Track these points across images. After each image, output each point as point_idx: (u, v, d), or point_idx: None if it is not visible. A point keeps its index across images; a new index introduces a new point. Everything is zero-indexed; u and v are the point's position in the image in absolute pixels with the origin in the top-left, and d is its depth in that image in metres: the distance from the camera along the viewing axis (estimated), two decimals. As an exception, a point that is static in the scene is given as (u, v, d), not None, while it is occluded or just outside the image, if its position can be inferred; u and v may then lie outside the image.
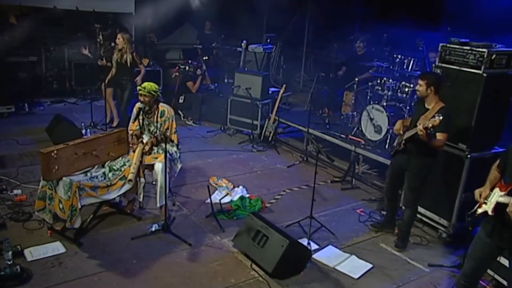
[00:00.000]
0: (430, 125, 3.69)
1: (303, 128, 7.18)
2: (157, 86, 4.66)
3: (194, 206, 5.17)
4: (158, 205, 4.67)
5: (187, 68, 8.58)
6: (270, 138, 7.29)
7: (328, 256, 4.26)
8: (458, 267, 4.12)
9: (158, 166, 4.53)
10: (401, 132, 4.43)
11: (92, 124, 7.73)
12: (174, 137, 4.79)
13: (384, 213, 5.23)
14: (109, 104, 7.83)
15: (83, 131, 7.05)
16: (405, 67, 6.68)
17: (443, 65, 4.57)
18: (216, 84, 9.15)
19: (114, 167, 4.51)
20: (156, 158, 4.62)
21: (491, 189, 3.04)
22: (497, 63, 4.22)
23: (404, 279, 4.03)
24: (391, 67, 6.60)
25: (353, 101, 7.19)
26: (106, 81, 7.33)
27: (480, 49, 4.21)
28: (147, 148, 4.69)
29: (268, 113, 7.88)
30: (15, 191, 5.11)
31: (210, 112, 8.59)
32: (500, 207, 2.87)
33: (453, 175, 4.48)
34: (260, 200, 5.17)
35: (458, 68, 4.41)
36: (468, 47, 4.32)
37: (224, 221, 4.82)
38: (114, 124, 7.86)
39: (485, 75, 4.18)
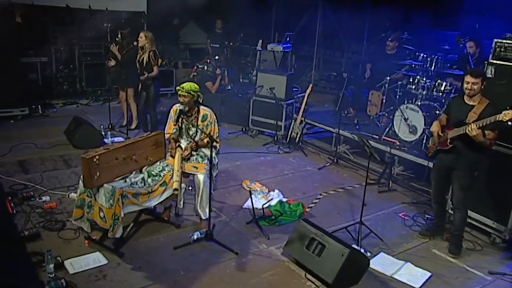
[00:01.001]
0: (507, 119, 3.49)
1: (331, 129, 6.97)
2: (197, 86, 4.43)
3: (232, 211, 4.94)
4: (202, 217, 4.44)
5: (206, 67, 8.34)
6: (297, 140, 7.07)
7: (382, 263, 4.05)
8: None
9: (200, 178, 4.30)
10: (441, 134, 4.24)
11: (110, 127, 7.47)
12: (216, 141, 4.56)
13: (428, 216, 5.06)
14: (129, 106, 7.57)
15: (104, 134, 6.81)
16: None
17: (497, 62, 4.36)
18: (232, 85, 8.93)
19: (152, 173, 4.27)
20: (197, 168, 4.37)
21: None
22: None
23: (471, 284, 3.82)
24: (425, 65, 6.38)
25: (383, 101, 6.97)
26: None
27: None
28: (186, 153, 4.45)
29: (292, 114, 7.67)
30: (43, 198, 4.86)
31: (229, 113, 8.35)
32: None
33: (508, 176, 4.28)
34: (301, 205, 4.95)
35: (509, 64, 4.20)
36: (527, 43, 4.13)
37: (266, 227, 4.59)
38: (133, 127, 7.62)
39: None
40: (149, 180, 4.20)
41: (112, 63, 7.59)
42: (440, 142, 4.23)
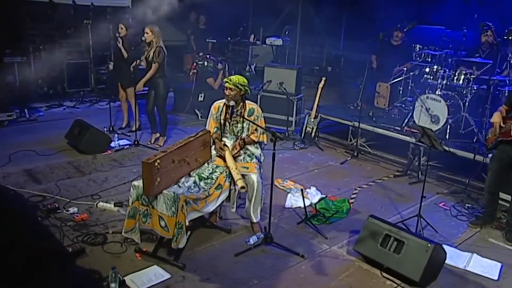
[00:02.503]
0: None
1: (348, 122, 6.86)
2: (245, 80, 4.15)
3: (276, 212, 4.68)
4: (254, 220, 4.18)
5: (206, 63, 7.99)
6: (312, 135, 6.90)
7: (449, 256, 3.94)
8: None
9: (254, 179, 4.03)
10: (502, 125, 4.22)
11: (112, 129, 6.99)
12: (264, 138, 4.29)
13: (468, 205, 5.06)
14: (132, 106, 7.10)
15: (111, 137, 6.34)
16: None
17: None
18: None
19: (203, 175, 3.95)
20: (247, 168, 4.09)
21: None
22: None
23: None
24: (443, 56, 6.40)
25: (400, 91, 6.93)
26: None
27: None
28: (235, 151, 4.16)
29: (301, 109, 7.50)
30: (71, 210, 4.40)
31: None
32: None
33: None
34: (347, 201, 4.78)
35: None
36: None
37: (318, 226, 4.39)
38: (133, 129, 7.15)
39: None
40: (202, 183, 3.87)
41: (111, 67, 7.13)
42: (502, 133, 4.20)
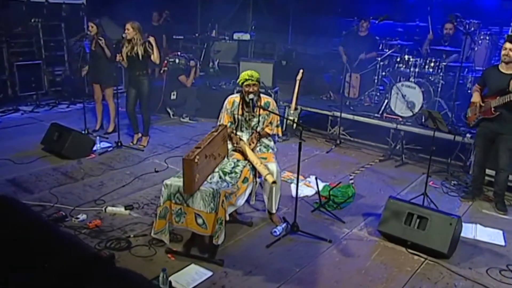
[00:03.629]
0: None
1: (328, 112, 7.09)
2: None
3: (287, 202, 4.76)
4: (274, 211, 4.24)
5: (177, 61, 7.83)
6: (294, 126, 7.03)
7: (457, 229, 4.28)
8: None
9: (274, 168, 4.08)
10: (482, 104, 4.63)
11: (87, 132, 6.65)
12: (278, 131, 4.35)
13: (454, 182, 5.48)
14: (110, 107, 6.81)
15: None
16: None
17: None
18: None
19: (225, 170, 3.93)
20: (265, 158, 4.14)
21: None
22: None
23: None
24: (414, 45, 6.84)
25: (375, 81, 7.29)
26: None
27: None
28: (252, 145, 4.18)
29: (278, 101, 7.61)
30: (80, 217, 4.17)
31: (205, 107, 7.98)
32: None
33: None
34: (351, 186, 4.98)
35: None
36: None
37: (329, 212, 4.55)
38: (110, 130, 6.89)
39: None
40: (227, 178, 3.85)
41: (85, 70, 6.78)
42: (483, 112, 4.59)
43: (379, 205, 4.82)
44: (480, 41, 7.40)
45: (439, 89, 6.49)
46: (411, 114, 6.47)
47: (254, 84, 4.05)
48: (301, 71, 7.09)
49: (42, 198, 4.58)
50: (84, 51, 8.78)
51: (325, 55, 10.34)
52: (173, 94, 7.78)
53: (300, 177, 5.22)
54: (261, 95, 4.27)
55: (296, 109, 7.02)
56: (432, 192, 5.20)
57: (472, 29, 7.47)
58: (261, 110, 4.22)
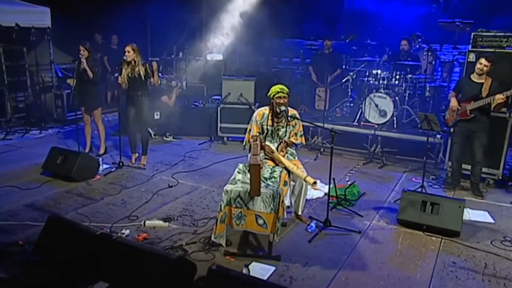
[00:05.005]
0: None
1: (309, 123, 7.68)
2: (288, 88, 4.66)
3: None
4: (300, 212, 4.71)
5: (159, 82, 8.02)
6: (280, 138, 7.55)
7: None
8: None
9: (304, 172, 4.56)
10: (459, 107, 5.53)
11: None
12: (302, 140, 4.84)
13: (433, 176, 6.32)
14: (100, 129, 6.85)
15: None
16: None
17: (477, 49, 5.86)
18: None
19: (265, 176, 4.35)
20: (294, 165, 4.60)
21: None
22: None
23: (511, 214, 5.15)
24: (379, 60, 7.74)
25: (348, 93, 8.06)
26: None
27: (513, 33, 5.66)
28: (282, 153, 4.63)
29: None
30: (125, 232, 4.33)
31: (187, 126, 8.25)
32: None
33: (499, 134, 5.78)
34: (357, 186, 5.59)
35: (493, 50, 5.73)
36: (501, 34, 5.71)
37: (345, 209, 5.11)
38: (101, 152, 6.92)
39: (520, 53, 5.64)
40: (269, 182, 4.26)
41: (71, 81, 6.79)
42: (460, 114, 5.47)
43: (382, 200, 5.51)
44: (424, 57, 8.56)
45: (406, 98, 7.41)
46: (384, 121, 7.30)
47: (284, 97, 4.51)
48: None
49: (73, 219, 4.59)
50: (57, 75, 8.72)
51: (279, 73, 11.14)
52: (157, 114, 7.94)
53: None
54: (289, 107, 4.73)
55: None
56: (412, 189, 5.98)
57: (417, 46, 8.62)
58: (286, 120, 4.68)
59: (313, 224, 4.57)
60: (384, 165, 6.89)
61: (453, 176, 5.90)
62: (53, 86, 9.18)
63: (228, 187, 3.90)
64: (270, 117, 4.68)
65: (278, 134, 4.73)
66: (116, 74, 6.36)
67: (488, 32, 5.85)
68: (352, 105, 8.13)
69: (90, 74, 6.35)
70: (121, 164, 6.30)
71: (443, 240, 4.39)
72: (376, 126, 7.28)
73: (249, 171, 4.28)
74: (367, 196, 5.59)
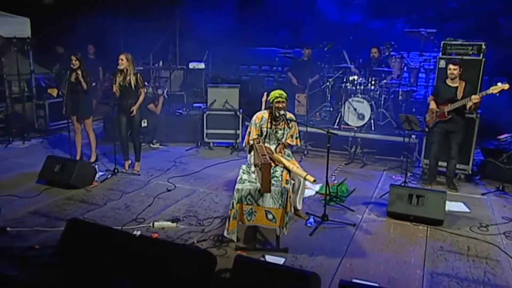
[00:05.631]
0: (497, 91, 5.45)
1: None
2: (286, 93, 5.02)
3: (299, 202, 5.60)
4: (299, 208, 5.06)
5: (146, 90, 8.20)
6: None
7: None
8: (500, 190, 6.07)
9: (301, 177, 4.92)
10: (437, 109, 6.07)
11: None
12: (298, 142, 5.21)
13: (410, 174, 6.83)
14: (91, 137, 6.96)
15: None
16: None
17: (447, 56, 6.46)
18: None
19: (267, 176, 4.67)
20: (294, 165, 4.96)
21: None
22: (483, 52, 6.36)
23: (483, 203, 5.73)
24: (357, 67, 8.26)
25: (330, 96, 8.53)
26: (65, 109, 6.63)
27: (477, 43, 6.28)
28: (281, 154, 4.98)
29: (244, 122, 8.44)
30: (137, 233, 4.52)
31: (170, 133, 8.47)
32: None
33: (468, 133, 6.36)
34: (345, 184, 6.02)
35: (460, 57, 6.34)
36: (467, 42, 6.33)
37: (337, 205, 5.51)
38: (92, 160, 7.03)
39: (484, 59, 6.26)
40: (273, 181, 4.58)
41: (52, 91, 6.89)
42: (439, 115, 6.02)
43: (369, 196, 5.96)
44: (393, 63, 9.20)
45: (382, 102, 7.96)
46: (362, 123, 7.80)
47: (283, 101, 4.87)
48: (265, 93, 8.06)
49: (82, 223, 4.75)
50: (39, 85, 8.72)
51: (252, 79, 11.59)
52: (144, 122, 8.10)
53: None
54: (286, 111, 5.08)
55: (265, 127, 7.92)
56: (397, 183, 6.48)
57: (387, 53, 9.24)
58: (284, 123, 5.04)
59: (311, 219, 4.94)
60: (364, 164, 7.38)
61: (430, 172, 6.44)
62: (33, 96, 9.14)
63: (239, 186, 4.20)
64: (269, 120, 5.01)
65: (276, 136, 5.07)
66: (105, 84, 6.50)
67: (456, 41, 6.46)
68: (331, 109, 8.58)
69: (85, 85, 6.50)
70: (116, 170, 6.45)
71: (429, 229, 4.87)
72: (355, 128, 7.76)
73: (253, 172, 4.63)
74: (355, 193, 6.02)
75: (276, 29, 13.70)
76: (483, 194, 6.07)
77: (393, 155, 7.48)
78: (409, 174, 6.79)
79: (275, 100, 4.88)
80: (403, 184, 5.80)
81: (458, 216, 5.27)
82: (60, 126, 9.12)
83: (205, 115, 8.17)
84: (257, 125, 5.05)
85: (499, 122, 7.39)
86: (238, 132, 8.16)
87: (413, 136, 7.18)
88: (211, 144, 8.25)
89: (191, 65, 9.31)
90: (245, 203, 4.17)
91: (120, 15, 11.13)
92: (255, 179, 4.46)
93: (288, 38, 13.14)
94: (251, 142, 5.01)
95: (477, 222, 5.12)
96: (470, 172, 6.60)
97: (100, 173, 6.41)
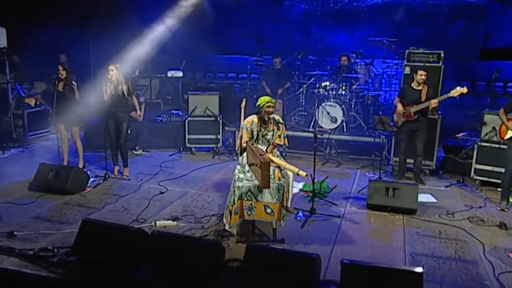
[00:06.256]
0: (456, 94, 6.17)
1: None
2: (273, 99, 5.48)
3: (286, 199, 6.07)
4: (289, 204, 5.51)
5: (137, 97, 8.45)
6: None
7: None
8: (461, 182, 6.81)
9: (290, 173, 5.39)
10: (404, 110, 6.74)
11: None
12: (285, 141, 5.67)
13: (382, 170, 7.47)
14: (78, 145, 7.13)
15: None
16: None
17: (411, 64, 7.18)
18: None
19: (261, 174, 5.11)
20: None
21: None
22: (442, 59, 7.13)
23: (447, 194, 6.42)
24: (330, 74, 8.89)
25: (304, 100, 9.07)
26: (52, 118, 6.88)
27: (437, 52, 7.03)
28: (272, 154, 5.43)
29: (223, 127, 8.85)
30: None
31: (152, 139, 8.75)
32: None
33: (431, 132, 7.09)
34: (326, 182, 6.54)
35: (423, 64, 7.06)
36: (428, 51, 7.07)
37: (321, 200, 6.03)
38: (80, 167, 7.19)
39: (443, 66, 7.02)
40: (268, 179, 5.03)
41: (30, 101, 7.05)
42: (406, 116, 6.68)
43: (348, 191, 6.52)
44: (359, 70, 9.91)
45: (352, 106, 8.61)
46: (335, 126, 8.40)
47: (272, 106, 5.33)
48: (244, 99, 8.50)
49: (86, 226, 5.00)
50: (19, 94, 8.78)
51: (222, 87, 12.03)
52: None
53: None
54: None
55: (244, 131, 8.36)
56: (373, 178, 7.09)
57: (353, 60, 9.94)
58: (273, 125, 5.50)
59: (300, 213, 5.42)
60: (339, 164, 7.96)
61: (400, 168, 7.09)
62: (10, 106, 9.12)
63: (239, 184, 4.63)
64: (259, 124, 5.45)
65: (266, 138, 5.52)
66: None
67: (418, 50, 7.19)
68: (305, 113, 9.14)
69: (77, 96, 6.70)
70: (107, 176, 6.67)
71: (404, 217, 5.47)
72: (329, 131, 8.35)
73: (248, 171, 5.06)
74: (335, 189, 6.56)
75: (241, 37, 14.31)
76: (446, 186, 6.77)
77: (364, 155, 8.10)
78: (381, 171, 7.44)
79: (266, 105, 5.32)
80: (378, 180, 6.40)
81: (428, 206, 5.91)
82: (38, 135, 9.17)
83: (186, 122, 8.51)
84: (248, 128, 5.47)
85: (457, 122, 8.21)
86: (218, 137, 8.55)
87: (383, 136, 7.86)
88: (193, 149, 8.59)
89: (170, 73, 9.61)
90: (245, 199, 4.58)
91: (89, 24, 11.29)
92: (251, 177, 4.89)
93: (253, 45, 13.83)
94: (244, 145, 5.42)
95: (444, 210, 5.77)
96: (434, 167, 7.33)
97: (92, 179, 6.61)
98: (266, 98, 5.35)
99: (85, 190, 6.19)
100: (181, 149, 8.63)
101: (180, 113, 9.21)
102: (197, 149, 8.62)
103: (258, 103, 5.43)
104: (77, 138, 7.13)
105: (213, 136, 8.54)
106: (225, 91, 11.69)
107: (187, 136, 8.54)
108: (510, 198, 5.88)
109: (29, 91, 9.62)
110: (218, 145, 8.58)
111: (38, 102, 9.35)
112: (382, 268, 3.55)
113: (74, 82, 6.68)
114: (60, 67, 6.76)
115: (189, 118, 8.52)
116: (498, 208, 5.83)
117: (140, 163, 7.81)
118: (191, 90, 9.28)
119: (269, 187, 4.50)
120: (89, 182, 6.41)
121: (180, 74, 9.61)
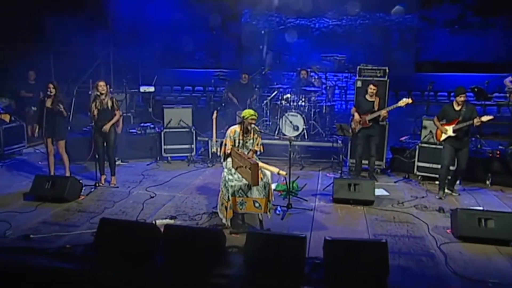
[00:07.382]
0: (403, 104, 7.39)
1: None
2: (255, 112, 6.38)
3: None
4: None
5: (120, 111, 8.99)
6: (218, 154, 9.15)
7: (363, 192, 7.30)
8: (406, 178, 8.07)
9: (267, 173, 6.29)
10: (360, 119, 7.89)
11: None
12: (261, 148, 6.54)
13: (340, 170, 8.59)
14: (64, 158, 7.62)
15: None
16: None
17: (362, 78, 8.39)
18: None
19: (246, 176, 5.99)
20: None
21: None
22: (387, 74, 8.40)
23: (396, 188, 7.61)
24: (289, 87, 9.93)
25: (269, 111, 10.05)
26: (38, 131, 7.36)
27: (383, 68, 8.28)
28: (253, 158, 6.32)
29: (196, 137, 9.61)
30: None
31: (129, 150, 9.34)
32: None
33: (381, 137, 8.30)
34: (296, 181, 7.51)
35: (371, 78, 8.29)
36: (376, 67, 8.31)
37: (293, 197, 6.99)
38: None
39: (388, 80, 8.28)
40: (251, 180, 5.91)
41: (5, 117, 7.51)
42: (362, 123, 7.83)
43: (314, 189, 7.53)
44: (315, 83, 11.06)
45: (312, 115, 9.71)
46: (297, 133, 9.44)
47: (255, 118, 6.21)
48: (215, 111, 9.35)
49: (91, 227, 5.60)
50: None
51: (185, 100, 12.83)
52: (107, 141, 8.87)
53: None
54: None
55: (216, 140, 9.19)
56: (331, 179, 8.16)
57: (311, 74, 11.08)
58: (252, 134, 6.38)
59: (279, 208, 6.34)
60: (303, 167, 9.00)
61: (356, 168, 8.22)
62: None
63: (231, 183, 5.49)
64: (241, 133, 6.31)
65: (246, 145, 6.39)
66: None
67: (367, 66, 8.41)
68: (270, 123, 10.11)
69: (65, 113, 7.24)
70: (97, 185, 7.24)
71: (365, 208, 6.55)
72: (292, 138, 9.35)
73: (234, 173, 5.90)
74: (304, 188, 7.55)
75: (194, 51, 15.21)
76: (395, 182, 8.00)
77: (324, 158, 9.20)
78: (339, 171, 8.56)
79: (250, 117, 6.17)
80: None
81: (382, 198, 7.04)
82: (13, 150, 9.44)
83: (163, 133, 9.20)
84: (231, 137, 6.30)
85: (401, 127, 9.55)
86: (192, 146, 9.31)
87: (340, 142, 9.00)
88: (169, 158, 9.28)
89: (142, 89, 10.24)
90: (237, 196, 5.44)
91: (50, 42, 11.65)
92: (238, 177, 5.74)
93: (206, 59, 14.82)
94: (228, 151, 6.25)
95: (395, 201, 6.92)
96: (384, 167, 8.55)
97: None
98: (251, 111, 6.22)
99: (79, 198, 6.73)
100: (158, 159, 9.29)
101: (152, 125, 9.88)
102: (172, 158, 9.32)
103: (243, 115, 6.27)
104: (63, 151, 7.60)
105: (187, 146, 9.29)
106: (193, 103, 12.48)
107: (163, 146, 9.23)
108: (445, 188, 7.16)
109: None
110: (192, 154, 9.34)
111: (12, 118, 9.62)
112: (356, 241, 4.55)
113: (60, 104, 7.16)
114: (51, 85, 7.27)
115: (164, 130, 9.21)
116: (437, 197, 7.08)
117: (122, 172, 8.38)
118: (165, 104, 9.94)
119: (258, 185, 5.39)
120: (82, 190, 6.96)
121: (152, 89, 10.26)
